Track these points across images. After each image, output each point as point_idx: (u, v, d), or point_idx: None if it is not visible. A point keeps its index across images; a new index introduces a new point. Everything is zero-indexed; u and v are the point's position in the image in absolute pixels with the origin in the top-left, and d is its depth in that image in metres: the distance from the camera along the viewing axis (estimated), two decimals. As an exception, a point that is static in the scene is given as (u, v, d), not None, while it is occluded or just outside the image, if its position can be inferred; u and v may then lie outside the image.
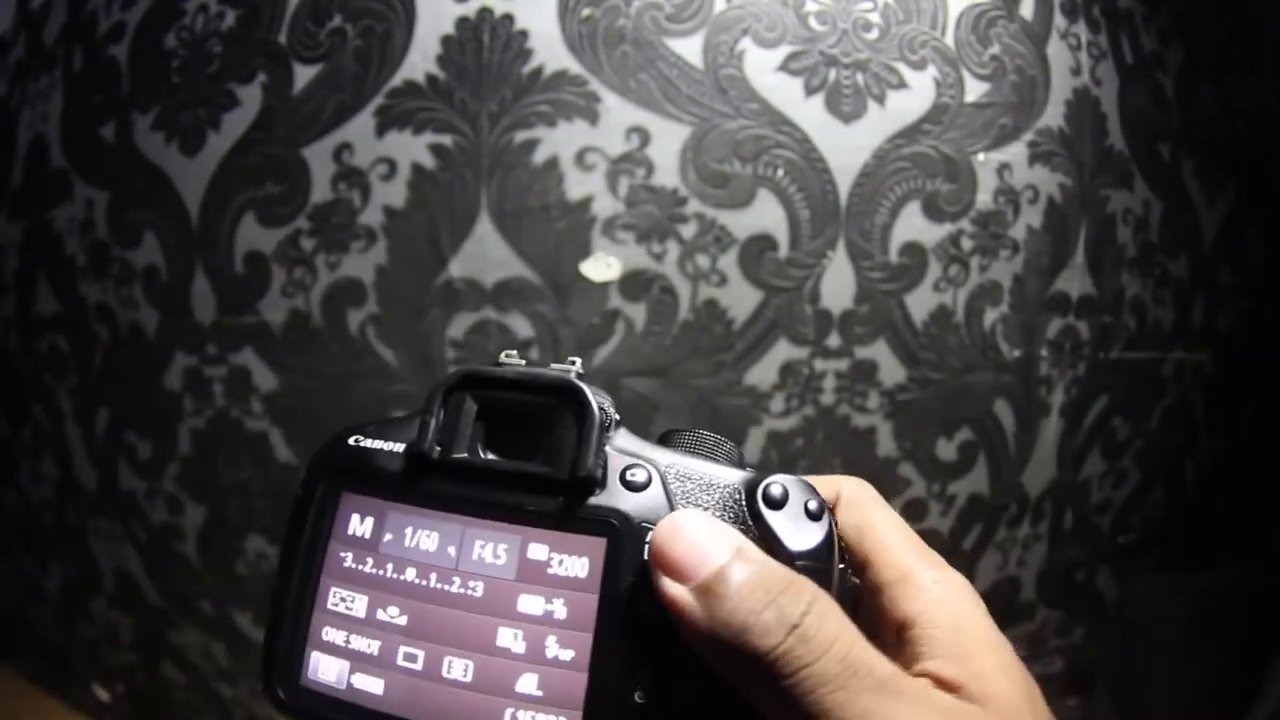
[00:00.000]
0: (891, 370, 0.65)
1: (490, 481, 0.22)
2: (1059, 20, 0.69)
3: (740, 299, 0.62)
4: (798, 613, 0.19)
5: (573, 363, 0.23)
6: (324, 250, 0.62)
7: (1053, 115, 0.68)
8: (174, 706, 0.77)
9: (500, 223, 0.60)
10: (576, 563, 0.21)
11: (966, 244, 0.65)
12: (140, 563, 0.73)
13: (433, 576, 0.22)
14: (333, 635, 0.22)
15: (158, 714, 0.78)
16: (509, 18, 0.60)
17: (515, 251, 0.60)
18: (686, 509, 0.21)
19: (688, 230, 0.61)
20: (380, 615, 0.22)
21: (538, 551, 0.21)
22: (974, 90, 0.65)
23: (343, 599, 0.22)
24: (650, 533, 0.20)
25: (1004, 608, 0.74)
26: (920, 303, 0.65)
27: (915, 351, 0.65)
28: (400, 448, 0.23)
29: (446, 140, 0.60)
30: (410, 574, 0.22)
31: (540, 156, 0.60)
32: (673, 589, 0.19)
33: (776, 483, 0.21)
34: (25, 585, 0.86)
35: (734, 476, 0.22)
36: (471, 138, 0.60)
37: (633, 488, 0.21)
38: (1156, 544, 0.82)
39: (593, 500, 0.21)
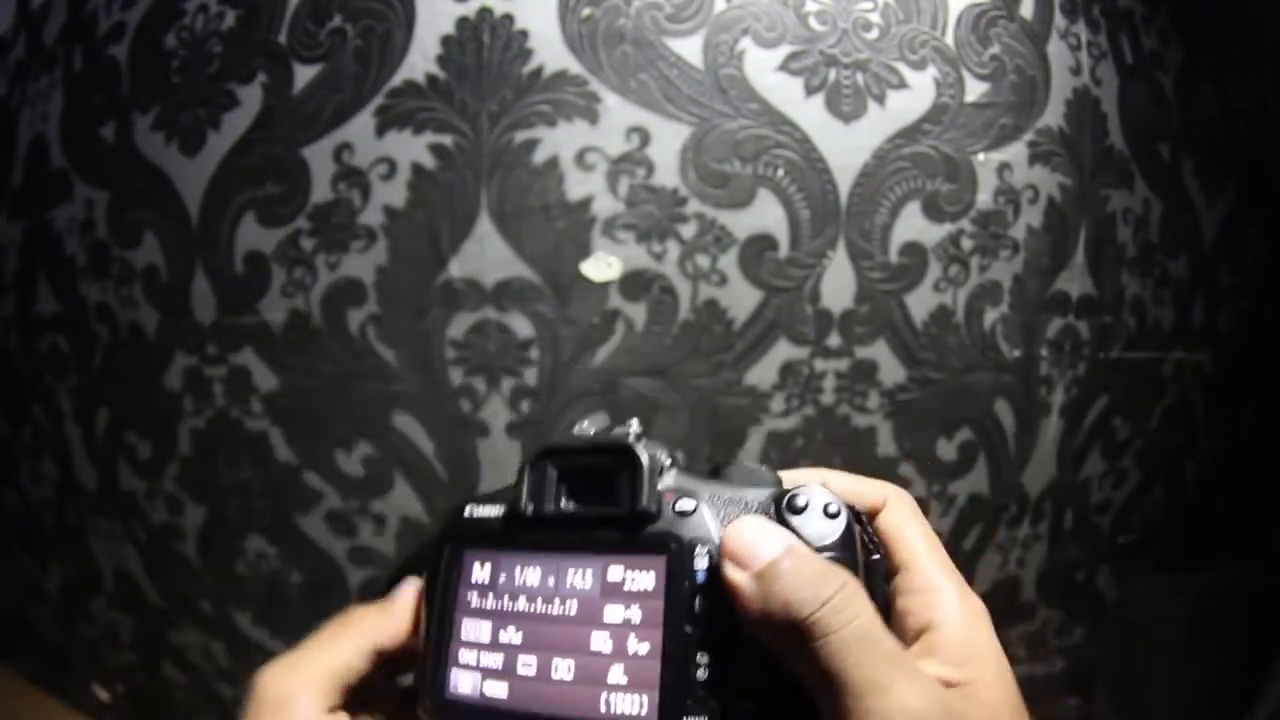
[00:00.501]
0: (891, 370, 0.65)
1: (574, 525, 0.28)
2: (1059, 20, 0.69)
3: (740, 299, 0.62)
4: (829, 591, 0.23)
5: (630, 423, 0.29)
6: (324, 250, 0.62)
7: (1053, 115, 0.68)
8: (174, 706, 0.77)
9: (500, 223, 0.60)
10: (645, 577, 0.27)
11: (966, 244, 0.65)
12: (140, 563, 0.73)
13: (539, 602, 0.28)
14: (467, 657, 0.29)
15: (158, 714, 0.78)
16: (509, 18, 0.60)
17: (515, 251, 0.60)
18: (753, 515, 0.26)
19: (688, 230, 0.61)
20: (501, 637, 0.28)
21: (615, 573, 0.27)
22: (974, 90, 0.65)
23: (473, 629, 0.29)
24: (698, 547, 0.26)
25: (1004, 608, 0.74)
26: (920, 303, 0.65)
27: (915, 351, 0.65)
28: (503, 510, 0.30)
29: (446, 140, 0.60)
30: (521, 602, 0.28)
31: (540, 156, 0.60)
32: (736, 574, 0.25)
33: (798, 494, 0.27)
34: (25, 585, 0.86)
35: (764, 494, 0.27)
36: (471, 138, 0.60)
37: (683, 515, 0.27)
38: (1156, 544, 0.82)
39: (652, 529, 0.27)
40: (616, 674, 0.26)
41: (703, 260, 0.61)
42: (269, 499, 0.66)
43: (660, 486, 0.28)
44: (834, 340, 0.63)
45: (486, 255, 0.60)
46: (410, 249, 0.61)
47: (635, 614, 0.27)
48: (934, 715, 0.22)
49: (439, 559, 0.30)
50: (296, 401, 0.64)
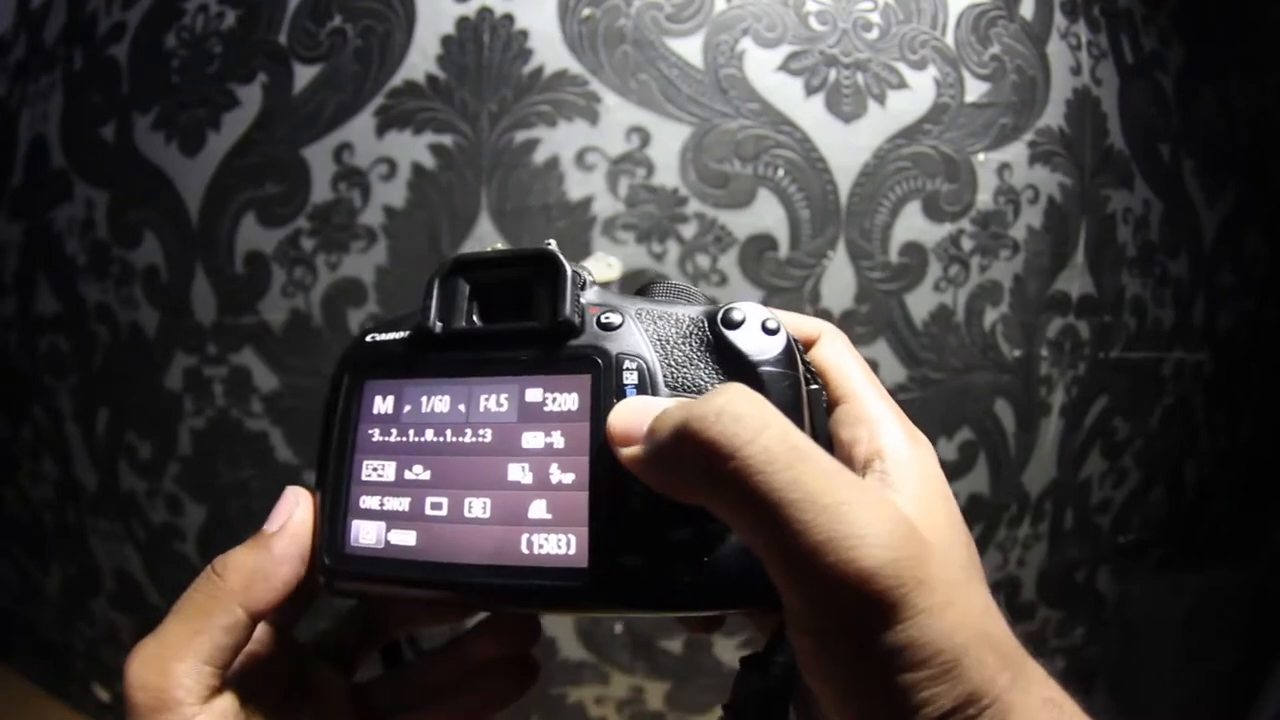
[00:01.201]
0: (892, 370, 0.65)
1: (487, 343, 0.25)
2: (1059, 20, 0.69)
3: (740, 299, 0.62)
4: (725, 396, 0.20)
5: (548, 243, 0.25)
6: (324, 250, 0.62)
7: (1053, 115, 0.68)
8: (174, 706, 0.77)
9: (500, 223, 0.60)
10: (568, 398, 0.24)
11: (967, 244, 0.65)
12: (140, 563, 0.73)
13: (448, 432, 0.25)
14: (369, 503, 0.25)
15: (158, 714, 0.78)
16: (509, 18, 0.60)
17: (515, 251, 0.60)
18: (630, 398, 0.23)
19: (688, 230, 0.61)
20: (407, 475, 0.25)
21: (534, 394, 0.24)
22: (974, 90, 0.65)
23: (374, 469, 0.25)
24: (626, 361, 0.24)
25: (1004, 608, 0.74)
26: (920, 302, 0.65)
27: (915, 351, 0.65)
28: (409, 333, 0.26)
29: (446, 140, 0.60)
30: (429, 434, 0.25)
31: (540, 156, 0.60)
32: (627, 452, 0.21)
33: (735, 308, 0.24)
34: (25, 585, 0.86)
35: (697, 310, 0.25)
36: (471, 138, 0.60)
37: (608, 328, 0.24)
38: (1156, 544, 0.82)
39: (574, 343, 0.24)
40: (539, 509, 0.23)
41: (703, 260, 0.61)
42: (269, 499, 0.66)
43: (584, 301, 0.25)
44: (834, 340, 0.63)
45: (486, 255, 0.60)
46: (410, 249, 0.61)
47: (558, 439, 0.23)
48: (902, 536, 0.19)
49: (336, 393, 0.27)
50: (296, 401, 0.64)
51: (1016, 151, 0.66)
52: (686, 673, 0.67)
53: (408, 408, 0.25)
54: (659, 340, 0.24)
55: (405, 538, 0.24)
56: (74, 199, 0.70)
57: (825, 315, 0.63)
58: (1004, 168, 0.66)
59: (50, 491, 0.78)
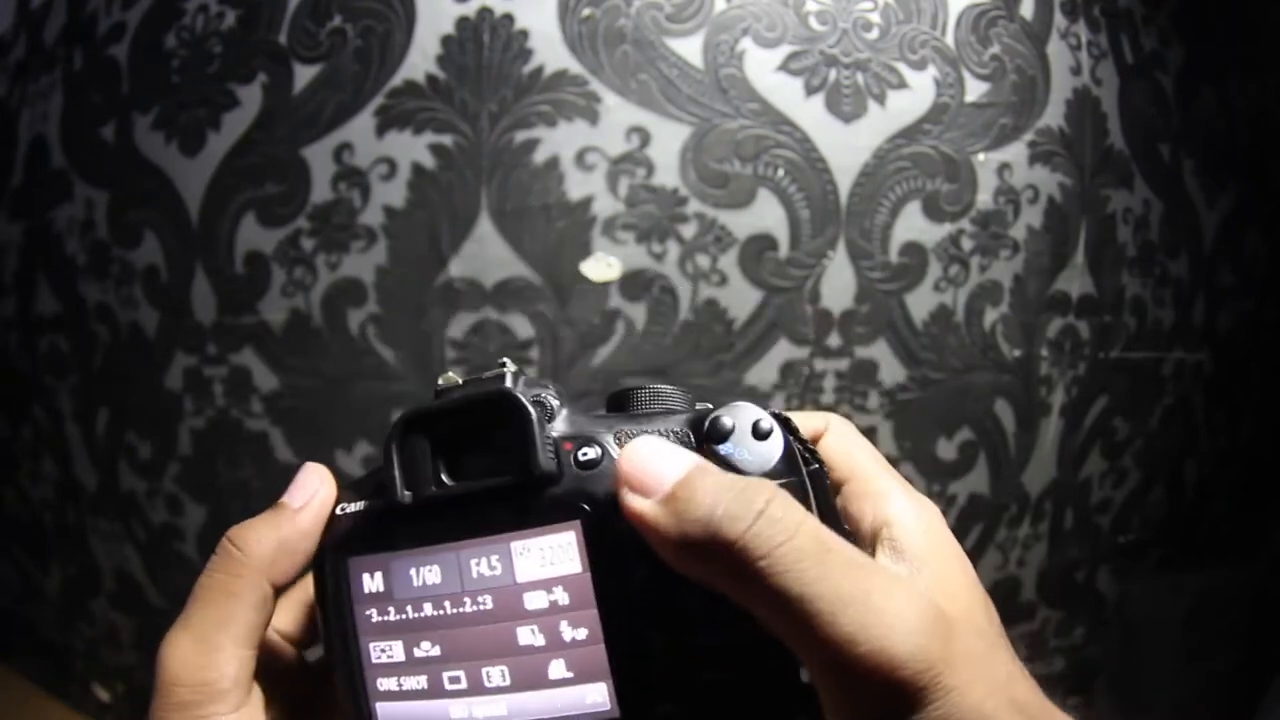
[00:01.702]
0: (891, 370, 0.65)
1: (464, 504, 0.23)
2: (1059, 20, 0.69)
3: (740, 299, 0.62)
4: (762, 500, 0.20)
5: (502, 364, 0.24)
6: (324, 250, 0.62)
7: (1053, 115, 0.68)
8: (174, 706, 0.77)
9: (500, 223, 0.60)
10: (562, 551, 0.22)
11: (966, 244, 0.65)
12: (140, 563, 0.73)
13: (447, 604, 0.23)
14: (386, 684, 0.24)
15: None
16: (509, 18, 0.60)
17: (515, 251, 0.60)
18: (649, 435, 0.22)
19: (688, 230, 0.61)
20: (417, 653, 0.24)
21: (524, 552, 0.23)
22: (974, 90, 0.65)
23: (383, 650, 0.24)
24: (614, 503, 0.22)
25: (1004, 608, 0.74)
26: (920, 302, 0.65)
27: (915, 351, 0.65)
28: (380, 501, 0.24)
29: (446, 140, 0.60)
30: (428, 609, 0.24)
31: (540, 156, 0.60)
32: (638, 503, 0.20)
33: (720, 415, 0.22)
34: (25, 585, 0.86)
35: (678, 421, 0.23)
36: (471, 138, 0.60)
37: (587, 467, 0.22)
38: (1156, 544, 0.82)
39: (555, 491, 0.23)
40: (558, 669, 0.22)
41: (703, 260, 0.61)
42: (269, 499, 0.66)
43: (555, 435, 0.23)
44: (834, 340, 0.63)
45: (486, 255, 0.60)
46: (410, 249, 0.61)
47: (561, 595, 0.22)
48: (927, 620, 0.19)
49: (321, 572, 0.25)
50: (296, 401, 0.64)
51: (1016, 151, 0.66)
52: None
53: (399, 584, 0.24)
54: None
55: (433, 711, 0.23)
56: (74, 199, 0.70)
57: (825, 315, 0.63)
58: (1004, 168, 0.66)
59: (50, 491, 0.78)
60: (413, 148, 0.60)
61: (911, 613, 0.19)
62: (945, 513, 0.71)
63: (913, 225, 0.64)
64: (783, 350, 0.63)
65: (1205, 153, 0.77)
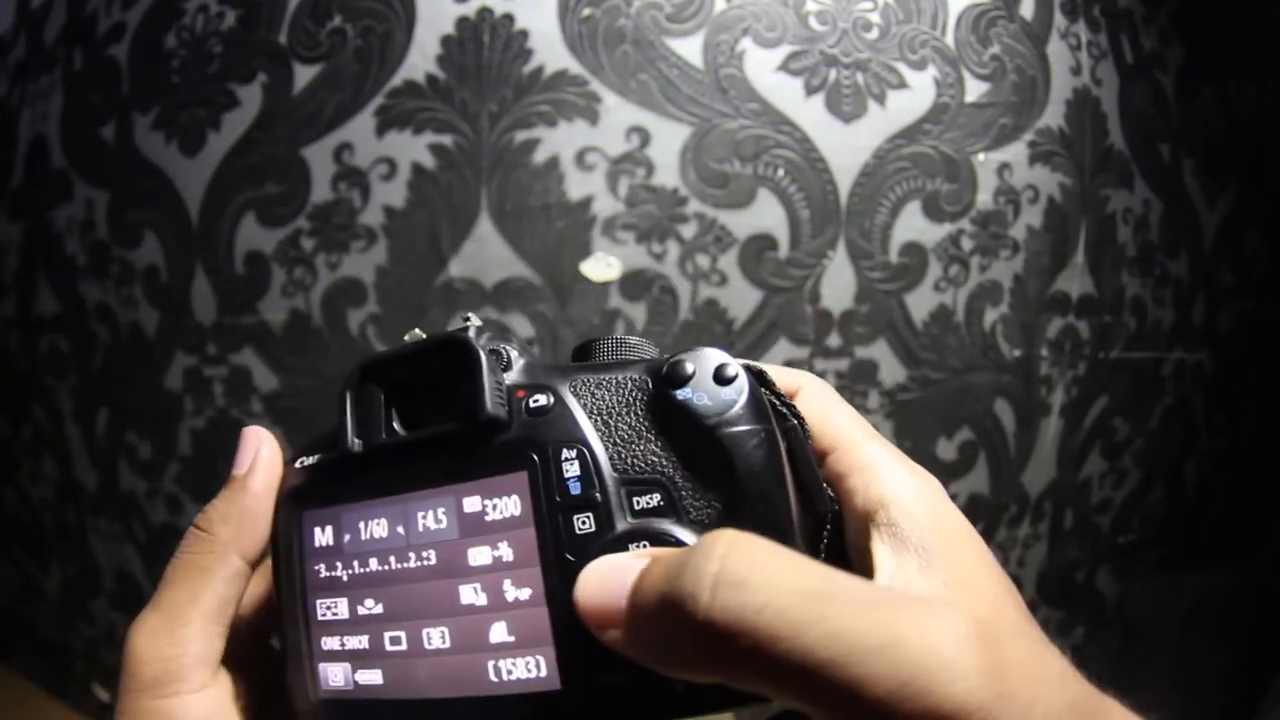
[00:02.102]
0: (892, 370, 0.65)
1: (413, 454, 0.23)
2: (1059, 20, 0.69)
3: (740, 299, 0.62)
4: (715, 561, 0.16)
5: (466, 318, 0.23)
6: (324, 250, 0.62)
7: (1053, 115, 0.68)
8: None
9: (500, 223, 0.60)
10: (508, 502, 0.21)
11: (966, 244, 0.65)
12: (140, 563, 0.73)
13: (392, 559, 0.22)
14: (330, 643, 0.23)
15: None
16: (509, 18, 0.60)
17: (515, 251, 0.60)
18: (595, 561, 0.20)
19: (688, 230, 0.61)
20: (360, 610, 0.23)
21: (472, 504, 0.22)
22: (974, 90, 0.65)
23: (328, 607, 0.23)
24: (564, 451, 0.21)
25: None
26: (920, 303, 0.65)
27: (915, 351, 0.65)
28: (333, 453, 0.24)
29: (446, 140, 0.60)
30: (374, 564, 0.23)
31: (540, 156, 0.60)
32: (610, 635, 0.18)
33: (680, 358, 0.21)
34: (25, 585, 0.86)
35: (639, 369, 0.21)
36: (471, 138, 0.60)
37: (538, 414, 0.21)
38: (1156, 544, 0.82)
39: (504, 438, 0.21)
40: (499, 632, 0.21)
41: (703, 260, 0.61)
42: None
43: (509, 382, 0.22)
44: (834, 340, 0.63)
45: (486, 255, 0.60)
46: (410, 249, 0.61)
47: (506, 551, 0.21)
48: (971, 649, 0.16)
49: (275, 527, 0.24)
50: (296, 401, 0.64)
51: (1016, 151, 0.66)
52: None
53: (348, 536, 0.23)
54: (600, 414, 0.21)
55: (372, 677, 0.22)
56: (74, 199, 0.70)
57: (825, 315, 0.63)
58: (1004, 168, 0.66)
59: (50, 491, 0.78)
60: (413, 148, 0.60)
61: (953, 648, 0.16)
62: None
63: (913, 225, 0.64)
64: (783, 350, 0.63)
65: (1205, 153, 0.77)
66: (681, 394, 0.20)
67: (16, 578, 0.87)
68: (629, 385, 0.21)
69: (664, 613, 0.17)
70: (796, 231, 0.62)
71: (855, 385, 0.64)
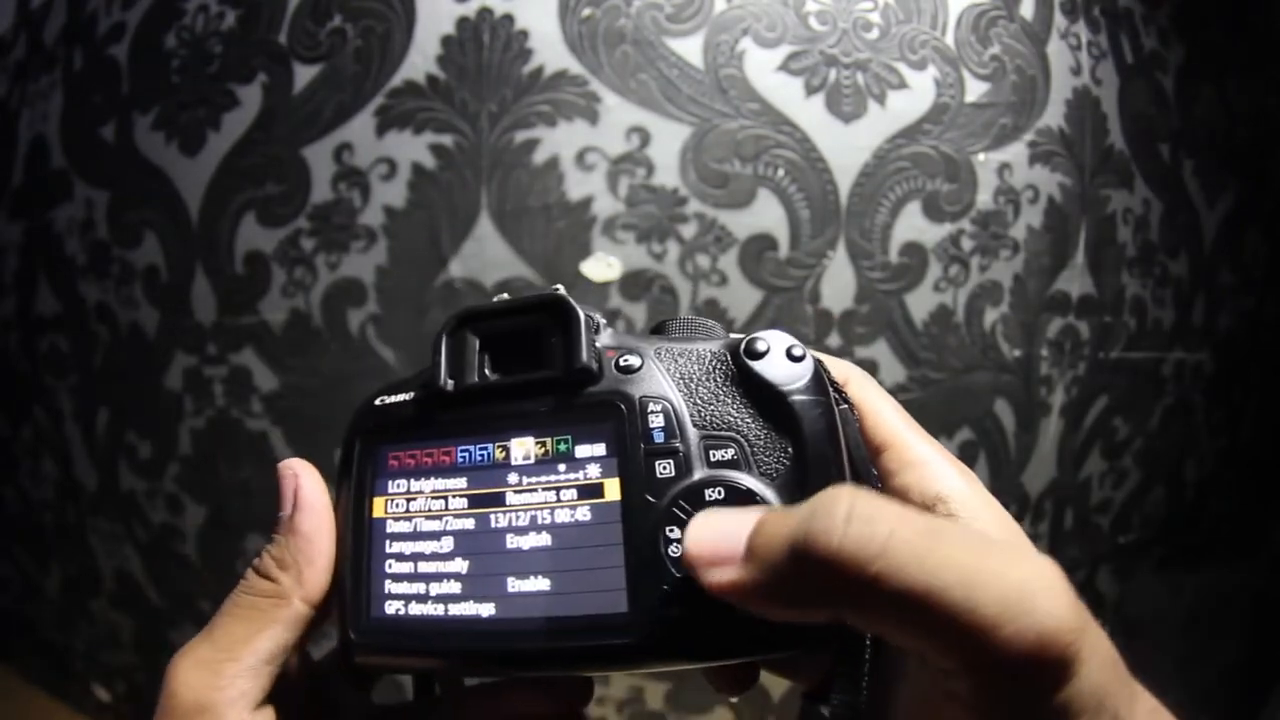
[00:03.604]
0: (892, 370, 0.65)
1: (502, 397, 0.24)
2: (1059, 20, 0.69)
3: (740, 299, 0.62)
4: (845, 502, 0.18)
5: (556, 288, 0.25)
6: (324, 250, 0.62)
7: (1053, 115, 0.68)
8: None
9: (500, 223, 0.60)
10: (596, 447, 0.23)
11: (967, 244, 0.65)
12: (140, 563, 0.73)
13: (471, 492, 0.24)
14: (393, 569, 0.24)
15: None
16: (509, 18, 0.60)
17: (515, 251, 0.60)
18: (700, 515, 0.21)
19: (688, 230, 0.61)
20: (433, 541, 0.24)
21: (559, 445, 0.23)
22: (974, 90, 0.65)
23: (400, 536, 0.24)
24: (650, 404, 0.23)
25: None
26: (920, 303, 0.65)
27: (915, 351, 0.65)
28: (419, 392, 0.25)
29: (446, 140, 0.60)
30: (451, 497, 0.24)
31: (540, 156, 0.60)
32: (721, 576, 0.19)
33: (759, 338, 0.23)
34: (25, 585, 0.86)
35: (718, 344, 0.24)
36: (471, 138, 0.60)
37: (628, 371, 0.23)
38: (1156, 544, 0.82)
39: (594, 389, 0.23)
40: (573, 561, 0.22)
41: (703, 260, 0.61)
42: (269, 499, 0.66)
43: (599, 344, 0.24)
44: (834, 340, 0.63)
45: (486, 255, 0.60)
46: (410, 249, 0.61)
47: (588, 489, 0.23)
48: (1060, 584, 0.18)
49: (349, 460, 0.26)
50: (296, 401, 0.64)
51: (1016, 151, 0.66)
52: (686, 673, 0.67)
53: (429, 469, 0.25)
54: (682, 379, 0.23)
55: (434, 607, 0.23)
56: (74, 199, 0.70)
57: (825, 315, 0.63)
58: (1004, 168, 0.66)
59: (50, 491, 0.78)
60: (413, 148, 0.60)
61: (1047, 580, 0.18)
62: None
63: (913, 225, 0.64)
64: (783, 350, 0.63)
65: (1205, 153, 0.77)
66: (758, 365, 0.23)
67: (16, 578, 0.87)
68: (709, 356, 0.24)
69: (794, 551, 0.18)
70: (796, 231, 0.62)
71: (855, 385, 0.64)
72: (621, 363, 0.23)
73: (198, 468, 0.68)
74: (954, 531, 0.18)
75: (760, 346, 0.23)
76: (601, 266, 0.61)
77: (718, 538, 0.19)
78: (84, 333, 0.71)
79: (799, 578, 0.18)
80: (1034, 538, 0.73)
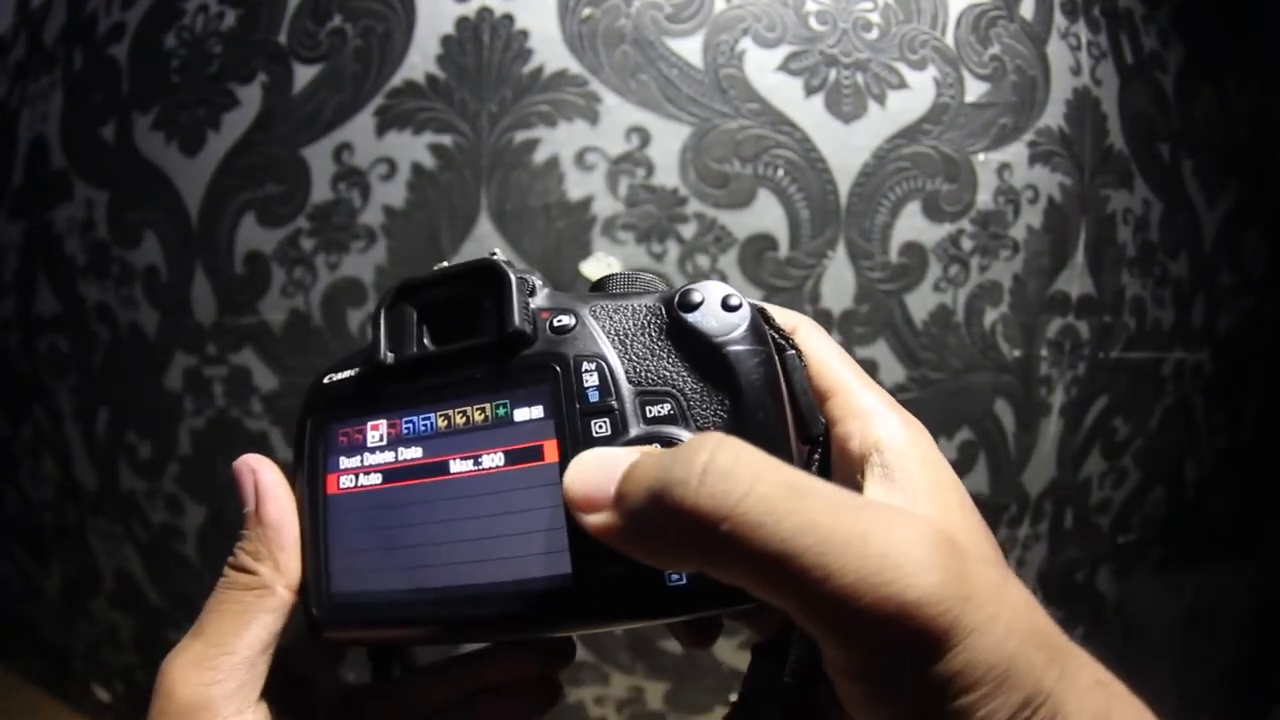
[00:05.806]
0: (892, 370, 0.65)
1: (441, 366, 0.24)
2: (1059, 20, 0.69)
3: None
4: (705, 453, 0.17)
5: (493, 252, 0.25)
6: (324, 250, 0.62)
7: (1053, 115, 0.68)
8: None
9: (500, 223, 0.60)
10: (532, 409, 0.23)
11: (966, 244, 0.65)
12: (140, 563, 0.73)
13: (417, 464, 0.24)
14: (354, 543, 0.25)
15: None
16: (509, 18, 0.60)
17: (515, 251, 0.60)
18: (584, 453, 0.21)
19: (688, 230, 0.61)
20: (385, 513, 0.24)
21: (497, 410, 0.24)
22: (974, 90, 0.65)
23: (352, 511, 0.25)
24: (584, 364, 0.23)
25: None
26: (920, 303, 0.65)
27: (915, 351, 0.65)
28: (363, 368, 0.26)
29: (446, 140, 0.60)
30: (399, 469, 0.24)
31: (540, 156, 0.60)
32: (593, 520, 0.19)
33: (692, 289, 0.23)
34: (25, 585, 0.86)
35: (653, 297, 0.24)
36: (471, 138, 0.60)
37: (561, 331, 0.23)
38: (1156, 544, 0.82)
39: (528, 352, 0.23)
40: (518, 525, 0.23)
41: (703, 260, 0.61)
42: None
43: (533, 306, 0.24)
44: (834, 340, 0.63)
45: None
46: (410, 249, 0.61)
47: (527, 452, 0.23)
48: (939, 553, 0.17)
49: (301, 440, 0.26)
50: (296, 401, 0.64)
51: (1016, 151, 0.66)
52: (686, 673, 0.67)
53: (375, 444, 0.25)
54: (617, 335, 0.23)
55: (391, 579, 0.24)
56: (74, 199, 0.70)
57: (825, 315, 0.63)
58: (1004, 168, 0.66)
59: (50, 491, 0.78)
60: (413, 148, 0.60)
61: (919, 547, 0.17)
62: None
63: (913, 225, 0.64)
64: (783, 350, 0.63)
65: (1205, 153, 0.77)
66: (692, 317, 0.22)
67: (16, 578, 0.87)
68: (644, 311, 0.23)
69: (653, 499, 0.17)
70: (796, 232, 0.62)
71: (855, 385, 0.64)
72: (555, 323, 0.23)
73: (198, 468, 0.68)
74: (823, 491, 0.17)
75: (695, 298, 0.23)
76: (601, 267, 0.61)
77: (591, 479, 0.19)
78: (84, 333, 0.71)
79: (659, 527, 0.18)
80: (1034, 538, 0.73)
